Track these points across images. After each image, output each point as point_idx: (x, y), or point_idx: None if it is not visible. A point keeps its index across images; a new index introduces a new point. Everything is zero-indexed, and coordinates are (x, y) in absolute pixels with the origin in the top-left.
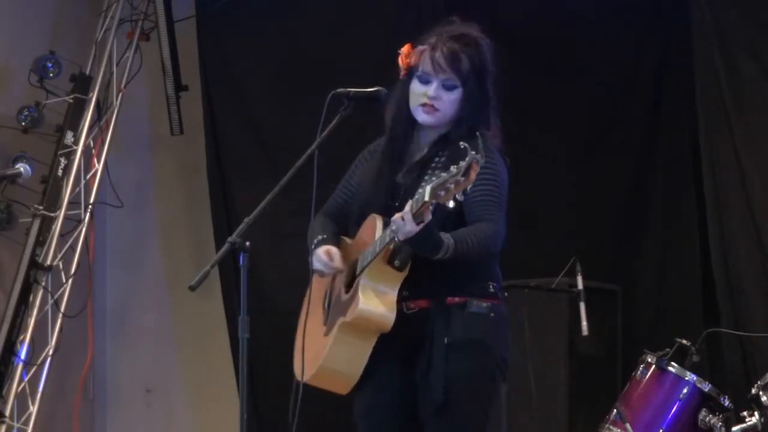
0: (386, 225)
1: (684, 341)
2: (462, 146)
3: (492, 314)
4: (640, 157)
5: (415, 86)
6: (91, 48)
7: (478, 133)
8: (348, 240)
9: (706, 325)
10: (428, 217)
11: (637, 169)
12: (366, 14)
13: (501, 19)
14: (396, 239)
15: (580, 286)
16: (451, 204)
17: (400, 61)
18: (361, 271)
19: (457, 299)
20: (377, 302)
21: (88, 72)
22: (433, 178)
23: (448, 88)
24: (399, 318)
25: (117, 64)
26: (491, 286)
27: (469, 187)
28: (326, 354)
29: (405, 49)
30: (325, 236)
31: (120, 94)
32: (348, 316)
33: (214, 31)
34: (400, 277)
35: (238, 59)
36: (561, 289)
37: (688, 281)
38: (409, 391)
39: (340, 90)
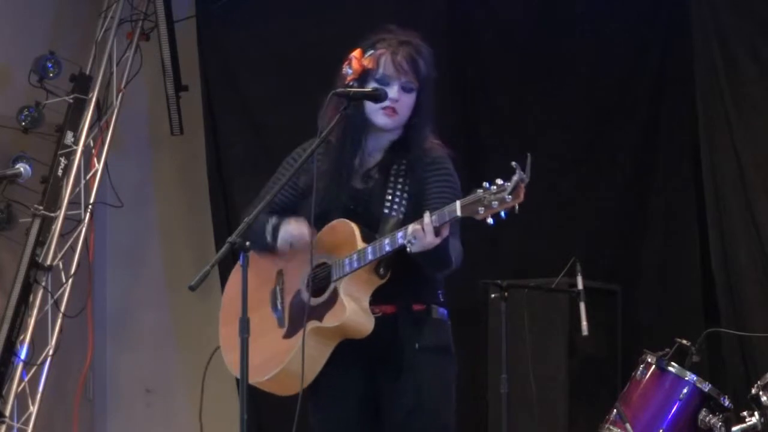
0: (362, 232)
1: (684, 341)
2: (513, 165)
3: (449, 321)
4: (640, 157)
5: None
6: (91, 48)
7: (528, 154)
8: None
9: (706, 325)
10: (446, 231)
11: (637, 168)
12: (366, 14)
13: (501, 18)
14: (409, 250)
15: (580, 286)
16: (491, 221)
17: (355, 64)
18: (341, 277)
19: (421, 306)
20: (359, 309)
21: (88, 72)
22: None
23: (407, 90)
24: None
25: (117, 64)
26: (441, 295)
27: (516, 206)
28: (292, 357)
29: (357, 53)
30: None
31: (120, 94)
32: (328, 322)
33: (214, 31)
34: (378, 284)
35: (238, 59)
36: (561, 289)
37: (688, 281)
38: (371, 396)
39: (340, 90)
